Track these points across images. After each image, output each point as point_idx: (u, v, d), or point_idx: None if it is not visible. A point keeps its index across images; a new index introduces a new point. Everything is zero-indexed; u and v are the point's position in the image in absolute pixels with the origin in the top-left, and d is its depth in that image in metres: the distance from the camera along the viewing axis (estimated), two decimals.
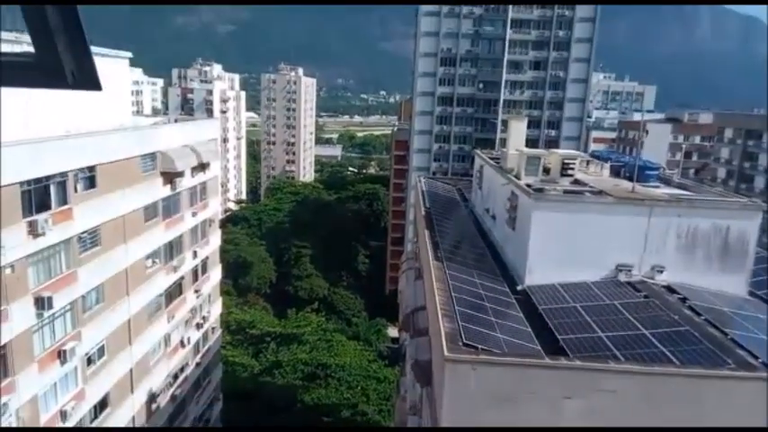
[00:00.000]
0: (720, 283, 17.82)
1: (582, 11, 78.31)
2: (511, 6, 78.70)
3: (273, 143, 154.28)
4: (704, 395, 11.30)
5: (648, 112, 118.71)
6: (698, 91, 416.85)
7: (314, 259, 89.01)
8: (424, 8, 79.89)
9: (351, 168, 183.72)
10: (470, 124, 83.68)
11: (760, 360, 11.65)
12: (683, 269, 17.83)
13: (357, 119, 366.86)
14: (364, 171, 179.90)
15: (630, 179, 21.30)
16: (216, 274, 43.82)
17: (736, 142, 76.23)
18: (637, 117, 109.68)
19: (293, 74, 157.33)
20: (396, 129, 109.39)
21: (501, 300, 15.91)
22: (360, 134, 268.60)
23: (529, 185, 19.55)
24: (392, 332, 69.43)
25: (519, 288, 17.75)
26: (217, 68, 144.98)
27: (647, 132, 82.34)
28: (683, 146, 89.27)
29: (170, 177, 33.33)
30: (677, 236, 17.88)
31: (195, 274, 39.21)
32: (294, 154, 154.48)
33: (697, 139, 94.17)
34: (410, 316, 19.24)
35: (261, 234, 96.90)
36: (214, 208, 42.48)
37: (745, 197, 20.70)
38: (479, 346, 11.78)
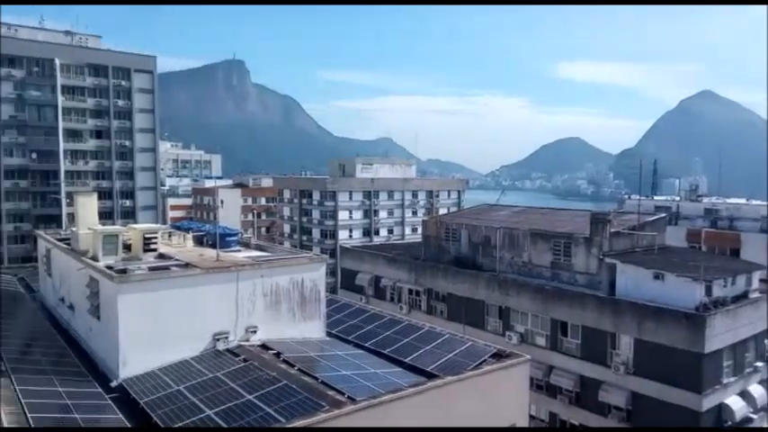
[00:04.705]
0: (304, 330, 20.09)
1: (139, 81, 78.35)
2: (59, 72, 72.42)
3: None
4: None
5: (218, 178, 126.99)
6: (257, 157, 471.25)
7: None
8: None
9: None
10: (27, 199, 72.32)
11: (346, 395, 13.51)
12: (273, 324, 19.35)
13: None
14: None
15: (214, 247, 21.99)
16: None
17: (294, 201, 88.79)
18: (208, 183, 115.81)
19: None
20: None
21: (92, 405, 13.83)
22: None
23: (110, 267, 17.96)
24: None
25: (114, 384, 15.85)
26: None
27: (222, 202, 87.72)
28: (254, 208, 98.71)
29: None
30: (263, 295, 19.33)
31: None
32: None
33: (263, 201, 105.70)
34: None
35: None
36: None
37: (309, 251, 24.13)
38: None
